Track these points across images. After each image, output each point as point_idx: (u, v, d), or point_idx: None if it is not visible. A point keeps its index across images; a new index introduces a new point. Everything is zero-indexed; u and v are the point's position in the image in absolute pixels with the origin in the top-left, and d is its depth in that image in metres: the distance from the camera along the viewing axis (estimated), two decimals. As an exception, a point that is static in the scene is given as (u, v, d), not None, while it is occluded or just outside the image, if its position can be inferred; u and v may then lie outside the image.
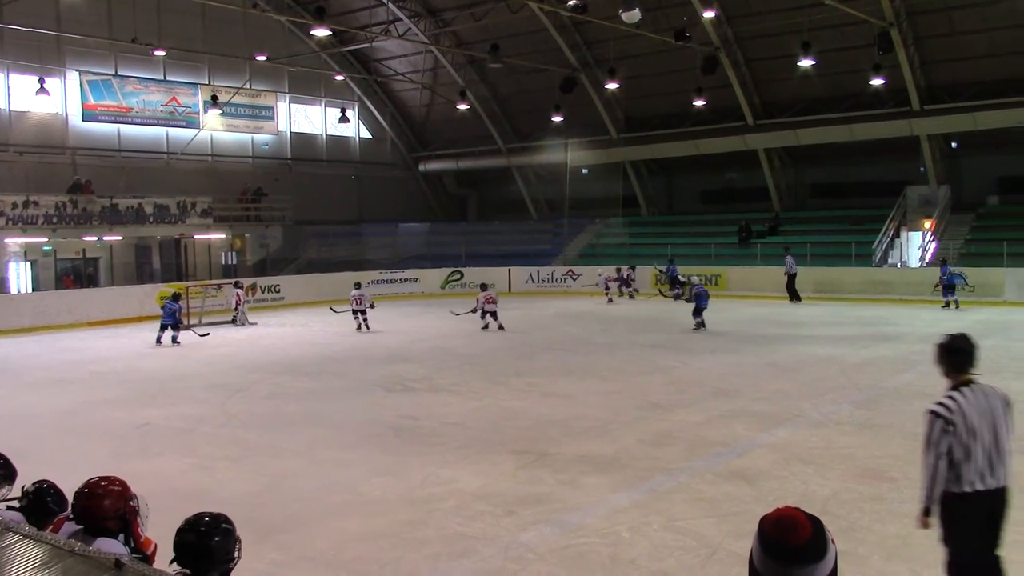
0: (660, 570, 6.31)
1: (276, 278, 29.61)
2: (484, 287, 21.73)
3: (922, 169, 28.72)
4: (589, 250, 34.34)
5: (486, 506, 7.75)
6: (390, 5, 30.94)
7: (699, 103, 29.50)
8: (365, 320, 21.59)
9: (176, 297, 20.88)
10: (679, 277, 28.11)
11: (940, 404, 4.92)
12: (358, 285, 22.39)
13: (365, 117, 38.59)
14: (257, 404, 12.89)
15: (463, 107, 33.34)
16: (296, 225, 33.63)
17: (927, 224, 28.37)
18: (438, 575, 6.39)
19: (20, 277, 27.76)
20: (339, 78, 35.58)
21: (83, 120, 29.46)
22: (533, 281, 31.79)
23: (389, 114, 38.92)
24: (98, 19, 28.02)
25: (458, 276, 32.13)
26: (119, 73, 30.08)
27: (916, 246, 28.65)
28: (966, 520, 4.93)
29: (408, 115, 39.14)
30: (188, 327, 21.26)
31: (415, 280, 31.13)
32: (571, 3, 24.42)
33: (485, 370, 15.57)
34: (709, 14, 26.56)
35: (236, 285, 24.56)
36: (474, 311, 21.34)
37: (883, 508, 7.40)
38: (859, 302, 25.22)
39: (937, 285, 23.46)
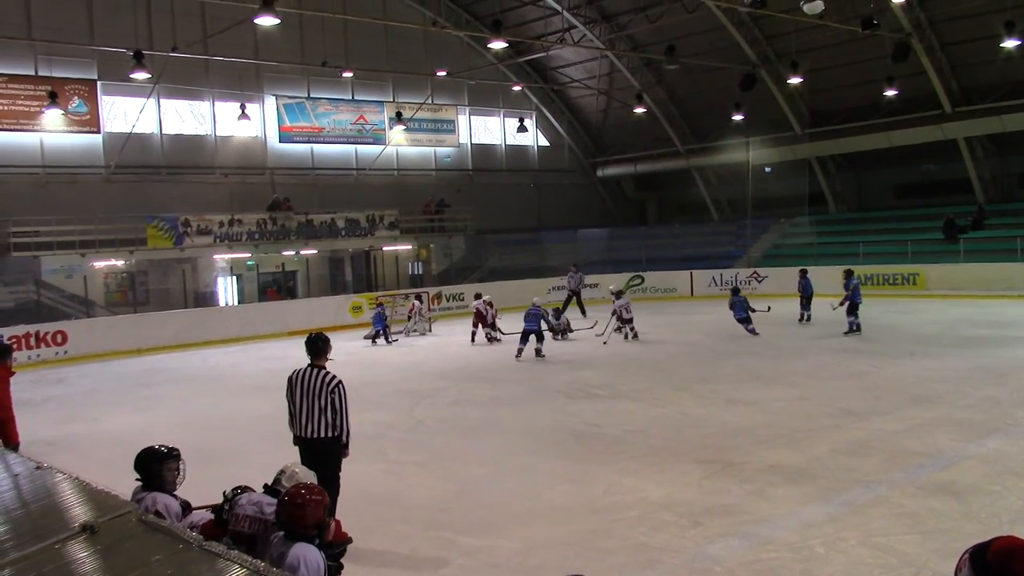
0: (858, 589, 5.98)
1: (460, 286, 30.35)
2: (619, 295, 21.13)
3: None
4: (774, 251, 33.19)
5: (671, 516, 7.60)
6: (565, 13, 31.15)
7: (890, 93, 27.94)
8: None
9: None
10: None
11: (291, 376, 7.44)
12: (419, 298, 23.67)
13: (543, 125, 38.99)
14: (443, 410, 13.23)
15: (640, 110, 33.05)
16: (478, 234, 34.41)
17: None
18: (623, 586, 6.31)
19: (227, 291, 29.85)
20: (517, 88, 36.12)
21: (280, 141, 31.29)
22: (716, 284, 31.01)
23: (566, 121, 39.14)
24: (292, 46, 29.68)
25: (639, 281, 31.87)
26: (311, 95, 31.79)
27: None
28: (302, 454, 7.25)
29: (585, 121, 39.22)
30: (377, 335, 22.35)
31: (595, 286, 31.07)
32: (749, -2, 23.76)
33: (668, 376, 15.33)
34: (899, -1, 25.13)
35: (417, 297, 25.43)
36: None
37: (1114, 528, 6.71)
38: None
39: None
